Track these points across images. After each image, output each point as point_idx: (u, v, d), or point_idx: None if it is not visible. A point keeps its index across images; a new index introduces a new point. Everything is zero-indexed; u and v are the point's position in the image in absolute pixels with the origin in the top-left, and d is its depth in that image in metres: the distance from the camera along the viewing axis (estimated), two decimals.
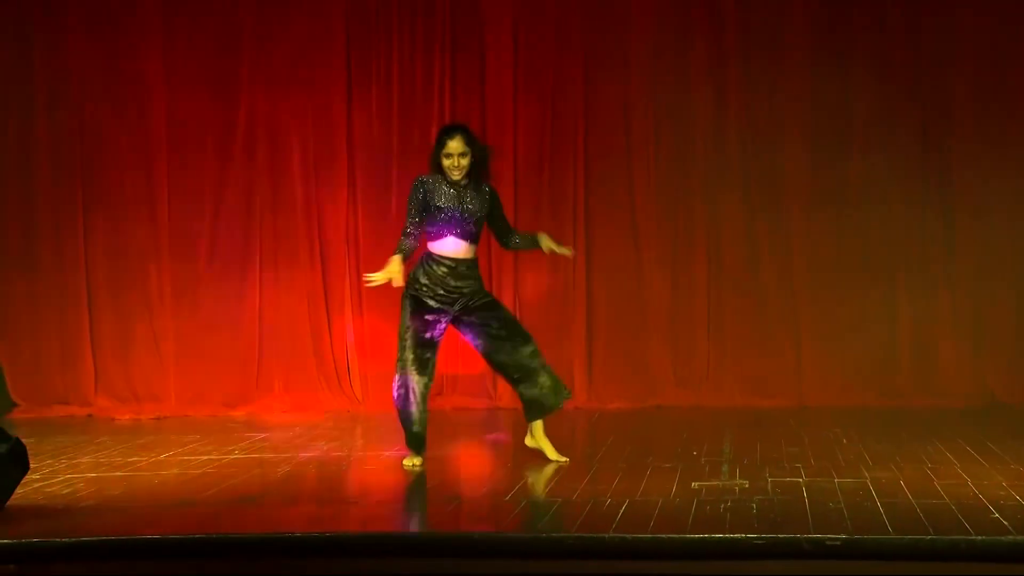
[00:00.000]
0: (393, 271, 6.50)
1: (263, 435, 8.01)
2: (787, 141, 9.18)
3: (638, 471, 6.34)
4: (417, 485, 6.28)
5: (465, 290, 6.62)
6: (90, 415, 9.21)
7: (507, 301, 9.31)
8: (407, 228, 6.62)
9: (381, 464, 6.86)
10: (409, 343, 6.63)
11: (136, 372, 9.37)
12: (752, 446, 7.09)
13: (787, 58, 9.15)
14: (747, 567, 4.82)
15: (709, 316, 9.27)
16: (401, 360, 6.65)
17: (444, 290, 6.59)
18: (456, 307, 6.63)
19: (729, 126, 9.24)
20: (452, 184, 6.61)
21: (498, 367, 6.81)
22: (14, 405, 9.28)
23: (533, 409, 6.73)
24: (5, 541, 4.97)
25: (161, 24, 9.36)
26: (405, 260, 6.57)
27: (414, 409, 6.59)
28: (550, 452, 6.68)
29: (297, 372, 9.37)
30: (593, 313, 9.33)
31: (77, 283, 9.38)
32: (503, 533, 5.12)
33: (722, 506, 5.41)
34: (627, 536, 4.93)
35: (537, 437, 6.73)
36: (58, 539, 5.03)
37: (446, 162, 6.57)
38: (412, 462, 6.60)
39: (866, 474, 6.13)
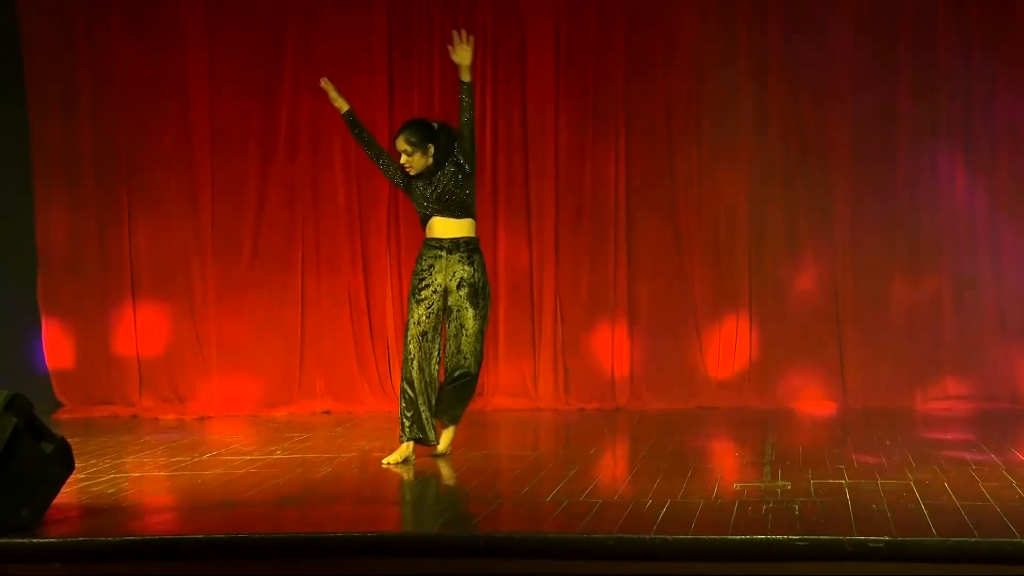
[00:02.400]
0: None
1: (304, 435, 8.04)
2: (832, 140, 9.11)
3: (679, 472, 6.32)
4: (457, 485, 6.29)
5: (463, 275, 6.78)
6: (134, 415, 9.28)
7: (547, 300, 9.33)
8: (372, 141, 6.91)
9: (422, 465, 6.86)
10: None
11: (179, 373, 9.43)
12: (794, 447, 7.05)
13: (832, 54, 9.07)
14: (789, 568, 4.79)
15: (751, 316, 9.22)
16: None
17: (442, 276, 6.79)
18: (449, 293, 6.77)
19: (773, 125, 9.18)
20: (418, 177, 6.77)
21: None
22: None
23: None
24: (51, 540, 5.03)
25: (205, 25, 9.41)
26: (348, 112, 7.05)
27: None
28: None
29: (339, 373, 9.41)
30: (634, 313, 9.31)
31: (122, 284, 9.44)
32: (543, 533, 5.12)
33: (764, 507, 5.38)
34: (668, 537, 4.92)
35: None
36: (103, 538, 5.08)
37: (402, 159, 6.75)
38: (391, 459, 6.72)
39: (910, 476, 6.08)
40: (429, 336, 6.76)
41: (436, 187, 6.82)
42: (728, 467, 6.42)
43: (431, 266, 6.79)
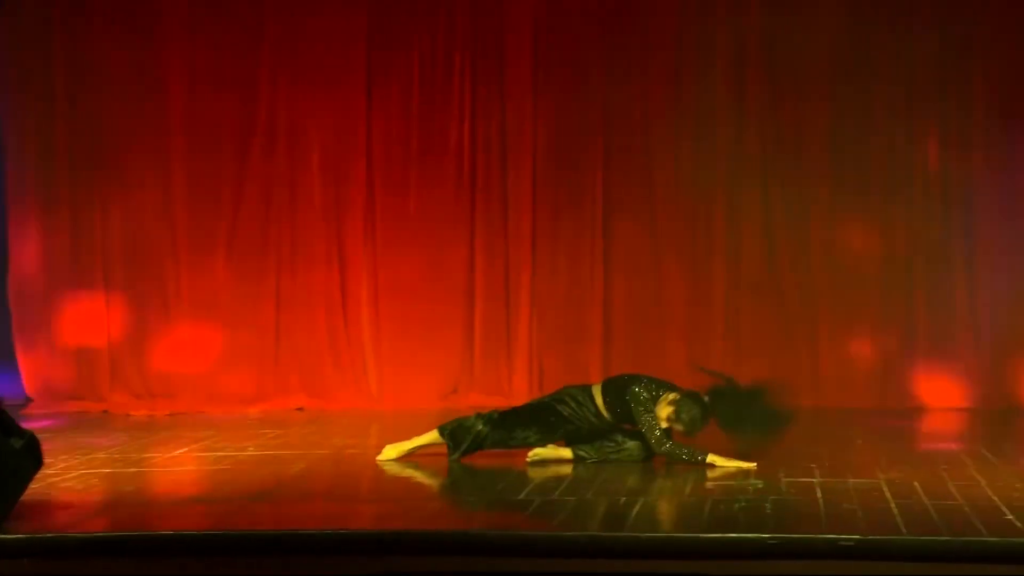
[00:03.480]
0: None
1: (278, 432, 8.02)
2: (807, 141, 9.16)
3: (653, 470, 6.33)
4: (431, 483, 6.28)
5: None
6: (105, 411, 9.23)
7: (523, 299, 9.35)
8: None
9: (396, 462, 6.85)
10: None
11: (152, 368, 9.40)
12: (767, 446, 7.06)
13: (808, 56, 9.11)
14: (760, 567, 4.81)
15: (727, 316, 9.26)
16: None
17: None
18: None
19: (750, 126, 9.22)
20: None
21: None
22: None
23: None
24: (19, 536, 5.00)
25: (183, 19, 9.38)
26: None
27: None
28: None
29: (313, 370, 9.39)
30: (610, 312, 9.33)
31: (94, 278, 9.40)
32: (517, 531, 5.12)
33: (736, 506, 5.40)
34: (641, 535, 4.94)
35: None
36: (72, 534, 5.06)
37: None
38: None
39: (880, 475, 6.11)
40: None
41: None
42: (700, 465, 6.43)
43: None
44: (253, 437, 7.77)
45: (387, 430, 8.27)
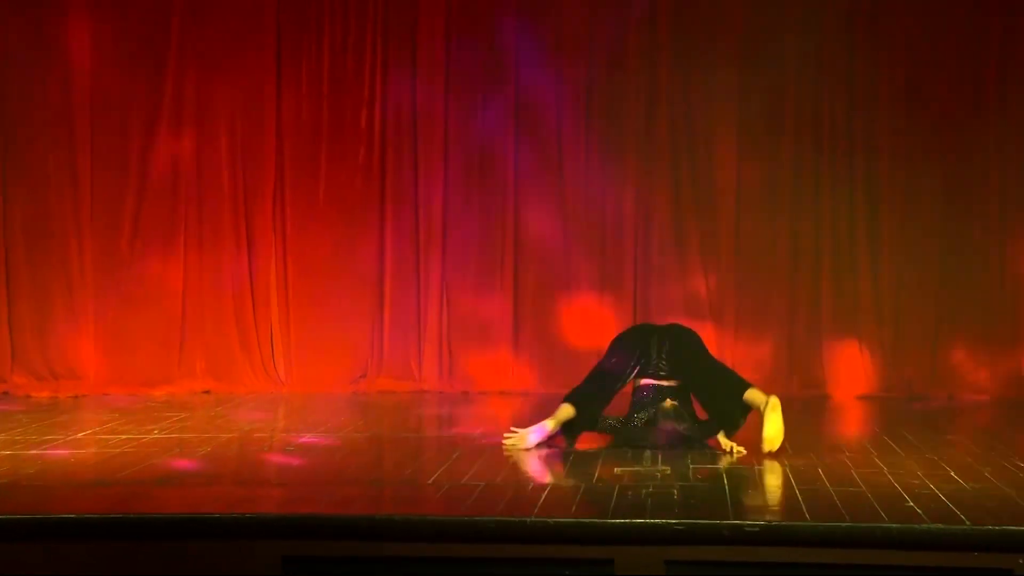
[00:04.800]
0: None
1: (184, 415, 7.92)
2: (717, 127, 9.23)
3: (561, 455, 6.36)
4: (339, 466, 6.24)
5: None
6: (5, 392, 9.05)
7: (433, 283, 9.32)
8: None
9: (302, 445, 6.81)
10: None
11: (54, 349, 9.21)
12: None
13: (719, 52, 9.18)
14: (667, 552, 4.86)
15: (635, 304, 9.31)
16: None
17: None
18: None
19: (661, 121, 9.25)
20: None
21: None
22: None
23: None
24: None
25: None
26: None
27: None
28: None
29: (220, 352, 9.28)
30: (520, 298, 9.34)
31: None
32: (425, 516, 5.11)
33: (644, 491, 5.44)
34: (549, 520, 4.95)
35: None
36: None
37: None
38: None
39: (786, 462, 6.20)
40: None
41: None
42: (609, 451, 6.47)
43: None
44: (158, 420, 7.66)
45: (294, 414, 8.23)
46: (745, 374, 8.98)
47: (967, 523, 4.87)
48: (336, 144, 9.35)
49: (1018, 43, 9.01)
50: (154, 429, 7.29)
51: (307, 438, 7.04)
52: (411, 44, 9.34)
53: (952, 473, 5.87)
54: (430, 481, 5.76)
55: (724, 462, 6.18)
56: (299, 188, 9.39)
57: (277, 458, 6.54)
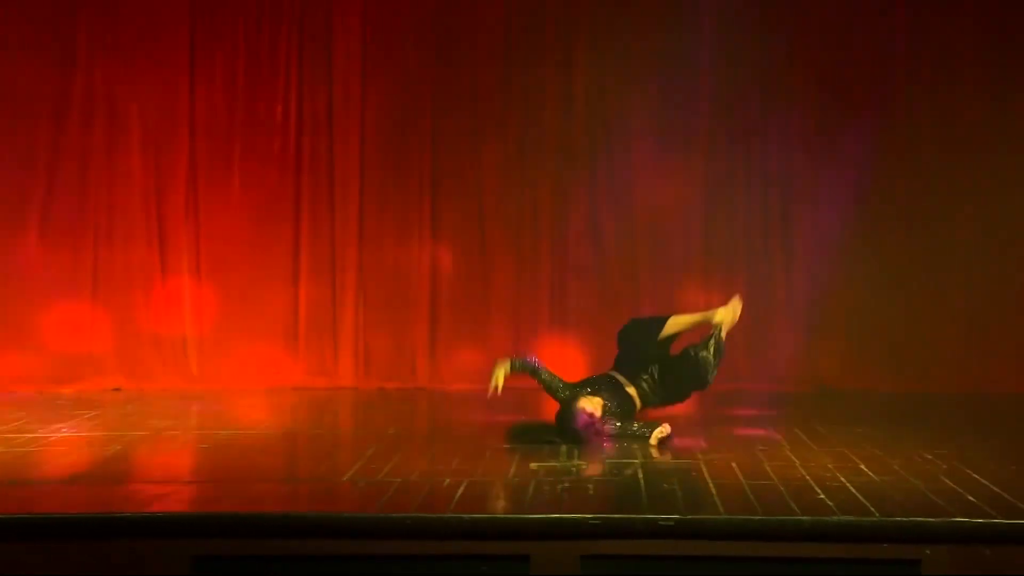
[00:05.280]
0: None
1: (93, 413, 7.78)
2: (634, 126, 9.27)
3: (478, 452, 6.35)
4: (252, 464, 6.17)
5: None
6: None
7: (349, 279, 9.27)
8: None
9: (215, 443, 6.72)
10: None
11: None
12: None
13: (635, 47, 9.23)
14: (583, 547, 4.87)
15: (552, 299, 9.33)
16: None
17: None
18: None
19: (578, 112, 9.29)
20: None
21: None
22: None
23: None
24: None
25: None
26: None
27: None
28: None
29: (131, 349, 9.14)
30: (437, 292, 9.32)
31: None
32: (340, 513, 5.07)
33: (559, 487, 5.45)
34: (465, 516, 4.95)
35: None
36: None
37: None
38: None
39: (700, 456, 6.25)
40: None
41: None
42: (526, 447, 6.48)
43: None
44: (67, 418, 7.52)
45: (207, 411, 8.12)
46: None
47: (876, 515, 4.95)
48: (251, 137, 9.26)
49: (927, 37, 9.16)
50: (63, 427, 7.16)
51: (220, 435, 6.95)
52: (326, 37, 9.27)
53: (862, 466, 5.96)
54: (345, 478, 5.72)
55: (640, 457, 6.21)
56: (213, 181, 9.27)
57: (189, 456, 6.45)
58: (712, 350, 6.74)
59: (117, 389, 8.97)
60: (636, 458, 6.18)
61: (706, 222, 9.29)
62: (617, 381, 6.88)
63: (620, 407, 6.79)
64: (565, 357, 9.24)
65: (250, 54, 9.22)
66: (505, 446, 6.53)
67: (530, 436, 6.73)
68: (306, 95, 9.26)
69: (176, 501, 5.34)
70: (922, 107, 9.19)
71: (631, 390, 6.86)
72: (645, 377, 6.89)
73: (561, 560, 4.85)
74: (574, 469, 5.88)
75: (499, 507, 5.20)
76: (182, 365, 9.18)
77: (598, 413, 6.62)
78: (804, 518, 4.91)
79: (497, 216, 9.32)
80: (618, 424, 6.70)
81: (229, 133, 9.25)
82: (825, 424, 7.22)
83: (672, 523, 4.87)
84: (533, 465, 5.97)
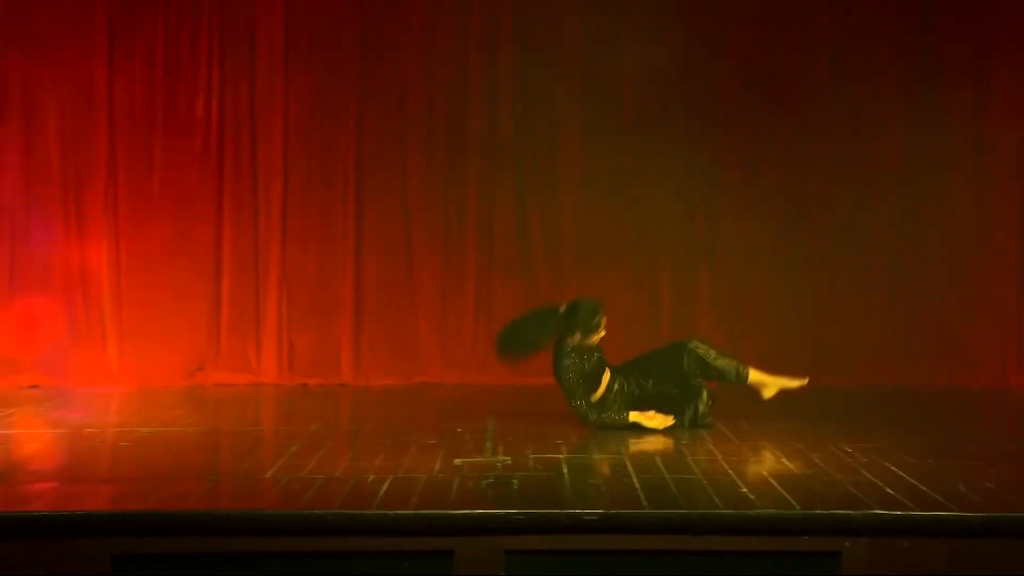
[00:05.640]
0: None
1: (10, 411, 7.65)
2: (560, 127, 9.28)
3: (402, 448, 6.33)
4: (173, 461, 6.10)
5: None
6: None
7: (272, 275, 9.19)
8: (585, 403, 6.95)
9: (135, 440, 6.63)
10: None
11: None
12: (515, 423, 7.17)
13: (561, 41, 9.23)
14: (507, 542, 4.87)
15: (477, 297, 9.33)
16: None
17: None
18: None
19: (503, 109, 9.28)
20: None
21: None
22: None
23: None
24: None
25: None
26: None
27: None
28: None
29: (50, 346, 8.98)
30: (361, 291, 9.27)
31: None
32: (263, 510, 5.03)
33: (484, 482, 5.46)
34: (389, 512, 4.93)
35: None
36: None
37: (603, 334, 7.04)
38: None
39: (624, 450, 6.28)
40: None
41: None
42: (450, 443, 6.47)
43: None
44: None
45: (128, 408, 8.01)
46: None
47: (797, 508, 5.00)
48: (172, 132, 9.14)
49: (846, 35, 9.28)
50: None
51: (140, 432, 6.86)
52: (249, 34, 9.17)
53: (783, 459, 6.03)
54: (268, 475, 5.68)
55: (564, 452, 6.23)
56: (133, 176, 9.14)
57: (108, 454, 6.35)
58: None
59: (35, 386, 8.82)
60: (561, 453, 6.19)
61: (632, 219, 9.33)
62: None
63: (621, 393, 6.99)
64: (490, 349, 9.23)
65: (170, 47, 9.10)
66: (430, 442, 6.51)
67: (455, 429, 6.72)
68: (228, 90, 9.16)
69: (95, 499, 5.26)
70: (840, 104, 9.29)
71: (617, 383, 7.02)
72: (637, 384, 7.04)
73: (486, 555, 4.85)
74: (499, 464, 5.89)
75: (423, 503, 5.19)
76: (102, 362, 9.05)
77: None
78: (727, 512, 4.96)
79: (423, 214, 9.28)
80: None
81: (150, 127, 9.12)
82: (747, 419, 7.29)
83: (596, 518, 4.88)
84: (457, 461, 5.96)
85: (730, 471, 5.72)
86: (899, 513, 4.95)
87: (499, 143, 9.29)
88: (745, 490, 5.31)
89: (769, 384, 7.17)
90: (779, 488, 5.34)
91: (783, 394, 7.22)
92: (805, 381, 7.21)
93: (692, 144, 9.29)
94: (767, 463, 5.92)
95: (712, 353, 7.08)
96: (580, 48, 9.24)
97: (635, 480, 5.52)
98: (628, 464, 5.90)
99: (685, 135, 9.30)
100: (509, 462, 5.94)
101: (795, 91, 9.27)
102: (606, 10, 9.23)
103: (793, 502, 5.08)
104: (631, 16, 9.22)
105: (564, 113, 9.27)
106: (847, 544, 4.87)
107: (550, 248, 9.33)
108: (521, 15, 9.25)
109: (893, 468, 5.79)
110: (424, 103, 9.26)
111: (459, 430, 6.94)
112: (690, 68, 9.28)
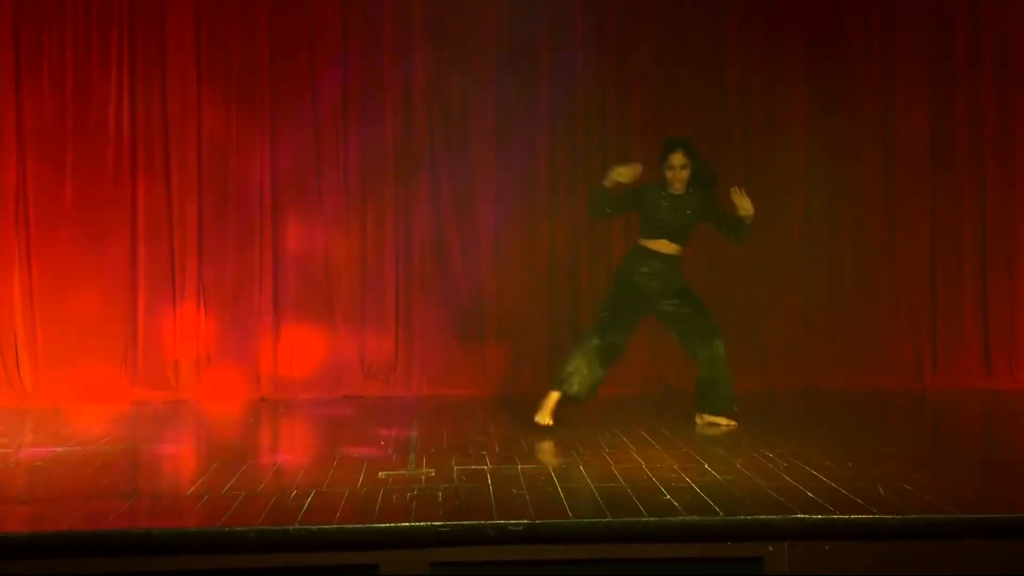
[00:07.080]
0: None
1: None
2: (475, 130, 9.27)
3: (325, 462, 6.28)
4: (91, 480, 5.99)
5: (674, 286, 7.35)
6: None
7: (189, 289, 9.07)
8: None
9: (52, 460, 6.50)
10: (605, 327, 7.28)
11: None
12: (439, 435, 7.15)
13: (477, 42, 9.24)
14: (433, 554, 4.85)
15: (398, 307, 9.29)
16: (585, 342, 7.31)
17: (659, 283, 7.29)
18: (664, 299, 7.34)
19: (418, 117, 9.27)
20: (670, 196, 7.25)
21: (690, 354, 7.49)
22: None
23: (705, 404, 7.45)
24: None
25: None
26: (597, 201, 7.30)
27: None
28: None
29: None
30: (280, 301, 9.18)
31: None
32: (183, 528, 4.95)
33: (408, 495, 5.43)
34: (312, 527, 4.88)
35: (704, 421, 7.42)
36: None
37: (668, 174, 7.23)
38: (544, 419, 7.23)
39: (548, 460, 6.29)
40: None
41: (680, 214, 7.27)
42: (373, 456, 6.43)
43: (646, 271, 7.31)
44: None
45: (42, 427, 7.86)
46: (507, 376, 9.20)
47: (720, 514, 5.04)
48: (83, 144, 9.00)
49: (757, 39, 9.41)
50: None
51: (56, 452, 6.72)
52: (160, 43, 9.06)
53: (706, 465, 6.07)
54: (189, 492, 5.60)
55: (488, 463, 6.21)
56: (44, 190, 8.98)
57: (23, 474, 6.22)
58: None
59: None
60: (485, 464, 6.18)
61: (550, 226, 9.35)
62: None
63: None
64: (411, 361, 9.22)
65: (79, 59, 8.96)
66: (354, 455, 6.47)
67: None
68: (140, 101, 9.04)
69: (10, 521, 5.15)
70: (756, 107, 9.42)
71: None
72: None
73: (411, 568, 4.83)
74: (423, 477, 5.86)
75: (347, 517, 5.15)
76: (14, 379, 8.87)
77: None
78: (651, 519, 4.98)
79: (340, 225, 9.23)
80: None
81: (60, 139, 8.97)
82: (669, 426, 7.34)
83: (522, 528, 4.88)
84: (382, 474, 5.93)
85: (654, 479, 5.75)
86: (820, 517, 5.01)
87: (414, 151, 9.27)
88: (669, 497, 5.34)
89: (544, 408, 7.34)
90: (702, 494, 5.38)
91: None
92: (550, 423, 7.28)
93: (608, 148, 9.32)
94: (690, 470, 5.95)
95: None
96: (493, 57, 9.26)
97: (560, 490, 5.53)
98: (552, 474, 5.90)
99: (600, 139, 9.35)
100: (433, 474, 5.92)
101: (700, 99, 9.34)
102: (519, 22, 9.25)
103: (716, 508, 5.12)
104: (543, 24, 9.25)
105: (477, 118, 9.25)
106: (770, 548, 4.92)
107: (468, 258, 9.31)
108: (431, 15, 9.22)
109: (813, 472, 5.86)
110: (339, 110, 9.20)
111: (382, 443, 6.91)
112: (603, 70, 9.32)
